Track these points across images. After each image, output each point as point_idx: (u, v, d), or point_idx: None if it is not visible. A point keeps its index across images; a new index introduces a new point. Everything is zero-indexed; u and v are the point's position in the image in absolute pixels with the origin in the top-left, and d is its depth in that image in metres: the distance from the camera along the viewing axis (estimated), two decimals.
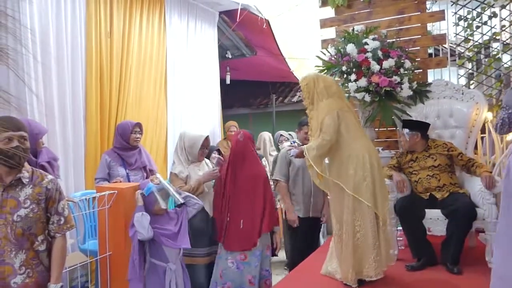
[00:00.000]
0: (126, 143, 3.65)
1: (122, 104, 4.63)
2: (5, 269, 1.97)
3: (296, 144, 3.66)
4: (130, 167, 3.66)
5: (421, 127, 3.46)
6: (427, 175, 3.34)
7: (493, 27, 4.48)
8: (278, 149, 4.90)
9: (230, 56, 7.59)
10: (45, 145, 3.02)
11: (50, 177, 2.16)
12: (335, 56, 3.93)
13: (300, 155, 2.86)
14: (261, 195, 3.00)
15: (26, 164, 2.11)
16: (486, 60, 4.56)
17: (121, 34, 4.68)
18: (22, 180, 2.04)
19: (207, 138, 3.08)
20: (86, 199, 3.28)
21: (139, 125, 3.73)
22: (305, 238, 3.69)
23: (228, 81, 7.73)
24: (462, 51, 4.98)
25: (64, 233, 2.17)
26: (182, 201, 2.79)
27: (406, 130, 3.44)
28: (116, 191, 2.98)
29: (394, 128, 4.19)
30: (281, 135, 5.04)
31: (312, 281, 2.98)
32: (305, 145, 2.86)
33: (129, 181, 3.58)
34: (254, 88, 9.74)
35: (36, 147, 2.86)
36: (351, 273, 2.72)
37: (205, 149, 3.09)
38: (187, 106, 5.74)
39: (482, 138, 4.54)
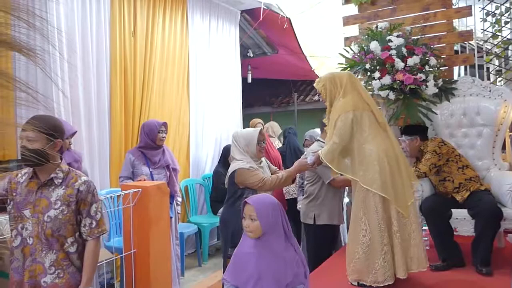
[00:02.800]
0: (152, 143, 3.69)
1: (145, 103, 4.67)
2: (36, 267, 1.97)
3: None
4: (154, 165, 3.70)
5: (419, 131, 3.41)
6: (439, 180, 3.28)
7: None
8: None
9: (251, 55, 7.57)
10: (71, 145, 3.06)
11: (84, 178, 2.08)
12: (358, 54, 3.89)
13: (318, 161, 2.83)
14: None
15: (63, 164, 2.08)
16: None
17: (144, 34, 4.72)
18: (54, 181, 2.00)
19: (261, 132, 2.98)
20: (111, 197, 3.33)
21: (165, 124, 3.79)
22: (328, 248, 3.53)
23: (249, 80, 7.71)
24: (489, 47, 4.87)
25: (96, 237, 2.08)
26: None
27: (405, 137, 3.37)
28: (140, 190, 3.01)
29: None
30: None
31: (334, 281, 2.95)
32: (320, 151, 2.79)
33: (152, 179, 3.63)
34: (275, 86, 9.72)
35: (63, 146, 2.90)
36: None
37: (262, 143, 2.98)
38: (209, 105, 5.75)
39: (510, 136, 4.42)
